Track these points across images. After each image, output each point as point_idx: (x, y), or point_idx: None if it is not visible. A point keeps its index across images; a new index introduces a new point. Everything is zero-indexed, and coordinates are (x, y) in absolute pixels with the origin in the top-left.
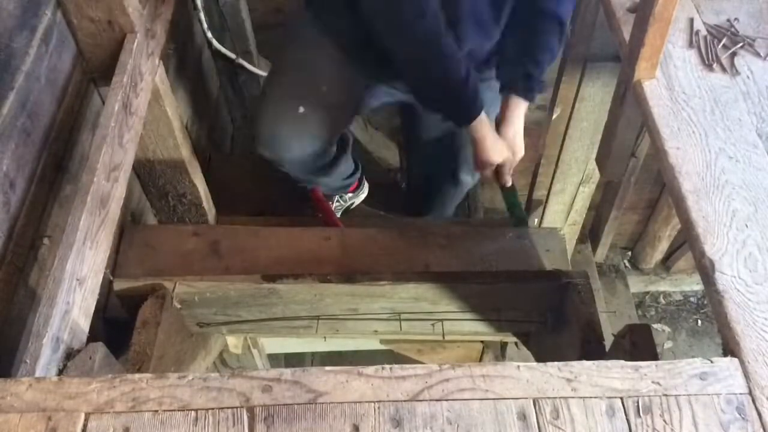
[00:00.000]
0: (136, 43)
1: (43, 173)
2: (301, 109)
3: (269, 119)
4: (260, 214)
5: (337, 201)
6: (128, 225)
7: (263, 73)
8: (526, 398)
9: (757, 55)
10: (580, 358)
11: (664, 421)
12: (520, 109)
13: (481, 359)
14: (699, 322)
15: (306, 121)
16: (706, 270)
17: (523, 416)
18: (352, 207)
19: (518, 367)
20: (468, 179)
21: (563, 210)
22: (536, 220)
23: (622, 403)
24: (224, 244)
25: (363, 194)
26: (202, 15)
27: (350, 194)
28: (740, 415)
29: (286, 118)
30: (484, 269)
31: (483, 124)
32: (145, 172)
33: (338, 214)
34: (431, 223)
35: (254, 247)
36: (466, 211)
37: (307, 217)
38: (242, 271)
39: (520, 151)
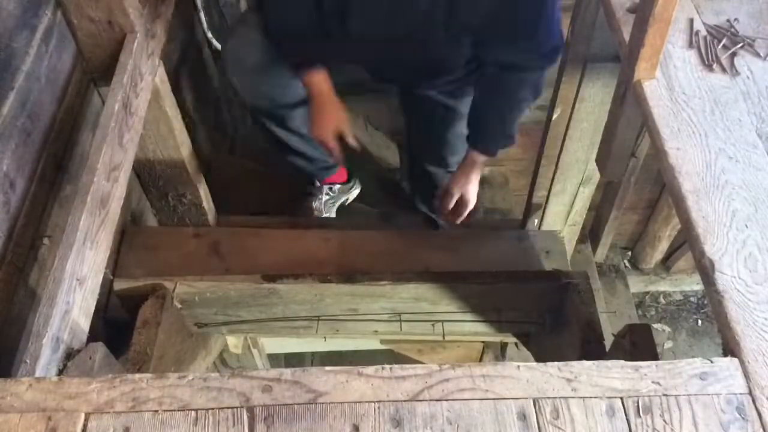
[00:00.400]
0: (136, 43)
1: (43, 173)
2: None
3: (237, 41)
4: (260, 214)
5: (327, 194)
6: (129, 226)
7: None
8: (526, 398)
9: (757, 55)
10: (580, 358)
11: (664, 421)
12: (476, 161)
13: (481, 359)
14: (699, 322)
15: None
16: (706, 270)
17: (523, 416)
18: (347, 204)
19: (518, 367)
20: (436, 171)
21: (563, 211)
22: (536, 221)
23: (622, 403)
24: (225, 245)
25: (356, 190)
26: (202, 15)
27: (338, 185)
28: (740, 415)
29: (253, 42)
30: (484, 270)
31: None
32: (145, 172)
33: (332, 210)
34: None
35: (255, 248)
36: None
37: (307, 216)
38: (242, 272)
39: (472, 200)
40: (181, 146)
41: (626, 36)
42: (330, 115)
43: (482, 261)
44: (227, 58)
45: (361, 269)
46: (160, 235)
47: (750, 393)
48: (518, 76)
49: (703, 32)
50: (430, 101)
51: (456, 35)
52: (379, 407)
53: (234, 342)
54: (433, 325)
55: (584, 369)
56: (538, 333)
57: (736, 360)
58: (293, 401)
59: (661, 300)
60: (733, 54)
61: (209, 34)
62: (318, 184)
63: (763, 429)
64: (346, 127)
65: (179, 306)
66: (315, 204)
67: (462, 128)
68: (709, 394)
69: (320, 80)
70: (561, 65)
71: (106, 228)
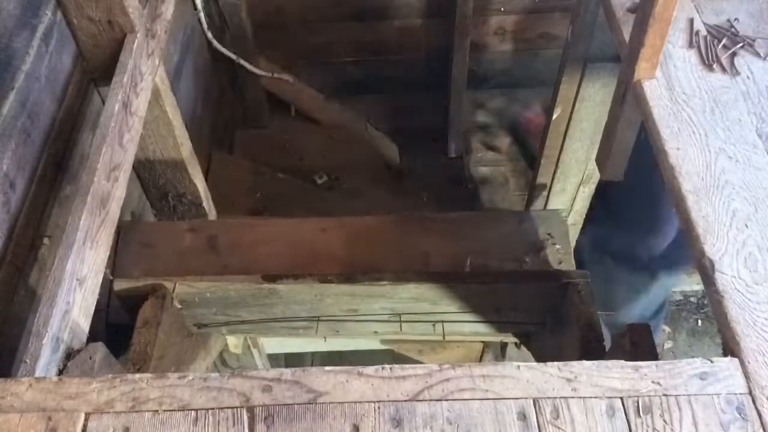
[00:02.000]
0: (136, 43)
1: (43, 173)
2: None
3: None
4: (260, 214)
5: None
6: (123, 223)
7: (263, 73)
8: (526, 398)
9: (757, 55)
10: (580, 358)
11: (664, 421)
12: None
13: (481, 359)
14: (699, 322)
15: None
16: (706, 270)
17: (523, 416)
18: None
19: (518, 367)
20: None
21: (563, 210)
22: None
23: (622, 403)
24: (221, 239)
25: None
26: (202, 15)
27: None
28: (740, 415)
29: None
30: (484, 258)
31: None
32: (145, 172)
33: None
34: (429, 212)
35: (251, 242)
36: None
37: (305, 215)
38: (241, 267)
39: None
40: (181, 146)
41: (626, 36)
42: None
43: (483, 244)
44: None
45: (359, 259)
46: (155, 232)
47: (750, 393)
48: None
49: (703, 32)
50: None
51: None
52: (379, 407)
53: (234, 342)
54: (433, 325)
55: (584, 369)
56: (538, 333)
57: (736, 360)
58: (293, 401)
59: None
60: (733, 54)
61: (209, 34)
62: None
63: (763, 429)
64: None
65: (179, 306)
66: None
67: None
68: (709, 394)
69: None
70: (561, 65)
71: (106, 228)
